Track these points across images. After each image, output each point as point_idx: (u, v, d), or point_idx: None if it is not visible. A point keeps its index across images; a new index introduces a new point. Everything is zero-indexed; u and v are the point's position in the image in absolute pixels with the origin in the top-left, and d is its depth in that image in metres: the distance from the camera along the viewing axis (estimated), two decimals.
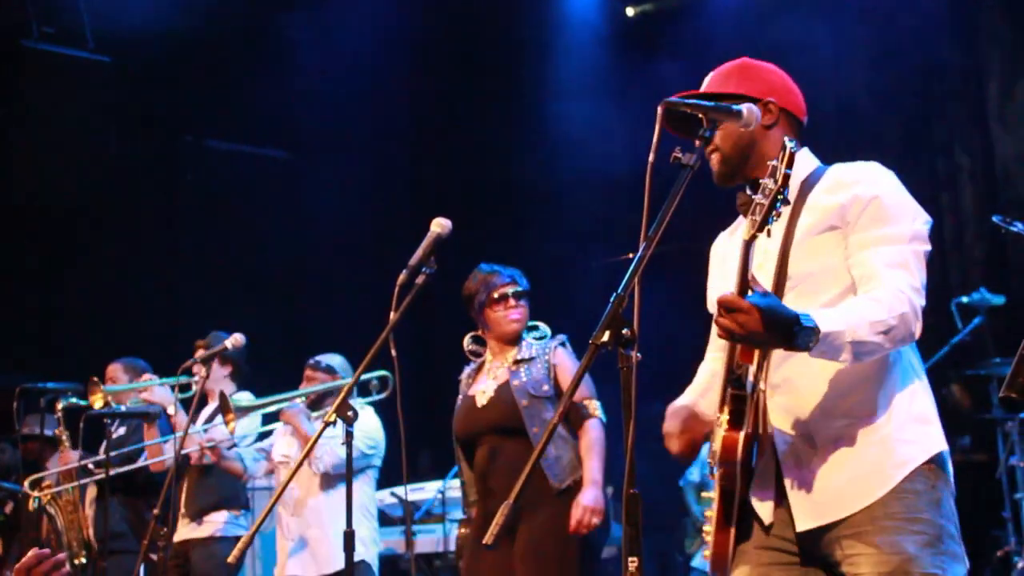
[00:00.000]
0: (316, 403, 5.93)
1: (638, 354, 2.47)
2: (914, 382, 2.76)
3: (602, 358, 2.48)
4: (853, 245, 2.70)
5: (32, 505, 6.80)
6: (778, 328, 2.45)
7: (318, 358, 6.06)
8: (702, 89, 2.92)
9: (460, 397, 5.04)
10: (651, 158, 2.59)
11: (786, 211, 2.77)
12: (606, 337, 2.43)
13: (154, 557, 5.69)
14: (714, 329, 3.05)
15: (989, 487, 6.82)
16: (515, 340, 4.93)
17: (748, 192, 2.84)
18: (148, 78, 9.45)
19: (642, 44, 9.61)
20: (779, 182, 2.36)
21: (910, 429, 2.70)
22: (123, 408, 6.54)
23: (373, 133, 10.35)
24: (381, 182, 10.54)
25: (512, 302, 4.92)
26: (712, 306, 3.04)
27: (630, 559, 2.40)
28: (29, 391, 6.91)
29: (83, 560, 6.52)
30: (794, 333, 2.45)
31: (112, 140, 9.56)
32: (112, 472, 6.25)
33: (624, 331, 2.43)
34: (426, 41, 10.30)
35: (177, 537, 6.17)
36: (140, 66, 9.36)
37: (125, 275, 9.37)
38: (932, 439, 2.72)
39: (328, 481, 5.78)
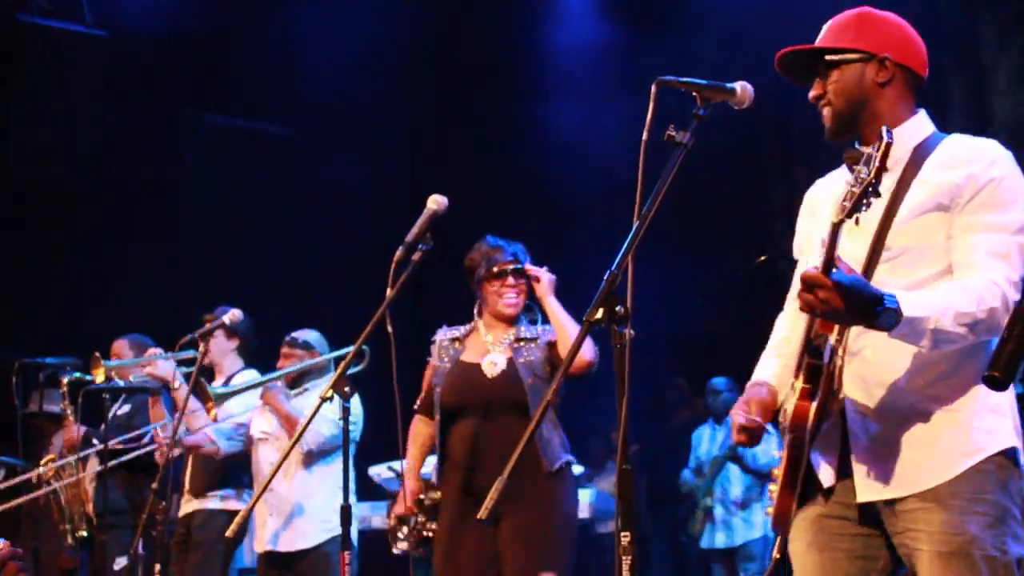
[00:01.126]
0: (296, 381, 5.93)
1: (631, 331, 2.49)
2: None
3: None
4: (958, 227, 2.64)
5: (34, 478, 6.83)
6: (860, 307, 2.44)
7: (294, 335, 6.02)
8: (817, 40, 2.84)
9: (448, 362, 4.91)
10: (644, 136, 2.59)
11: (894, 175, 2.71)
12: (600, 314, 2.45)
13: (154, 533, 5.72)
14: (797, 273, 3.05)
15: None
16: (511, 320, 4.90)
17: (857, 146, 2.81)
18: (146, 52, 9.43)
19: (642, 17, 9.57)
20: (872, 174, 2.33)
21: (986, 418, 2.67)
22: (122, 383, 6.56)
23: (372, 108, 10.34)
24: (379, 157, 10.52)
25: (511, 280, 4.85)
26: (797, 251, 3.04)
27: (623, 534, 2.43)
28: (28, 366, 6.92)
29: (84, 534, 6.56)
30: (876, 313, 2.44)
31: (110, 114, 9.53)
32: (115, 450, 6.33)
33: (618, 308, 2.44)
34: (426, 16, 10.27)
35: (181, 512, 6.21)
36: (138, 40, 9.33)
37: (123, 250, 9.37)
38: (1006, 432, 2.69)
39: (309, 456, 5.80)
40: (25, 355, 6.96)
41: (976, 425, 2.66)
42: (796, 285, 3.01)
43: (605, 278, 2.46)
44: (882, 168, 2.31)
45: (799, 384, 2.67)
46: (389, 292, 3.72)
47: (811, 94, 2.82)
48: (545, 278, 4.80)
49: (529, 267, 4.84)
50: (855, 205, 2.36)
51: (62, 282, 9.08)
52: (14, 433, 7.11)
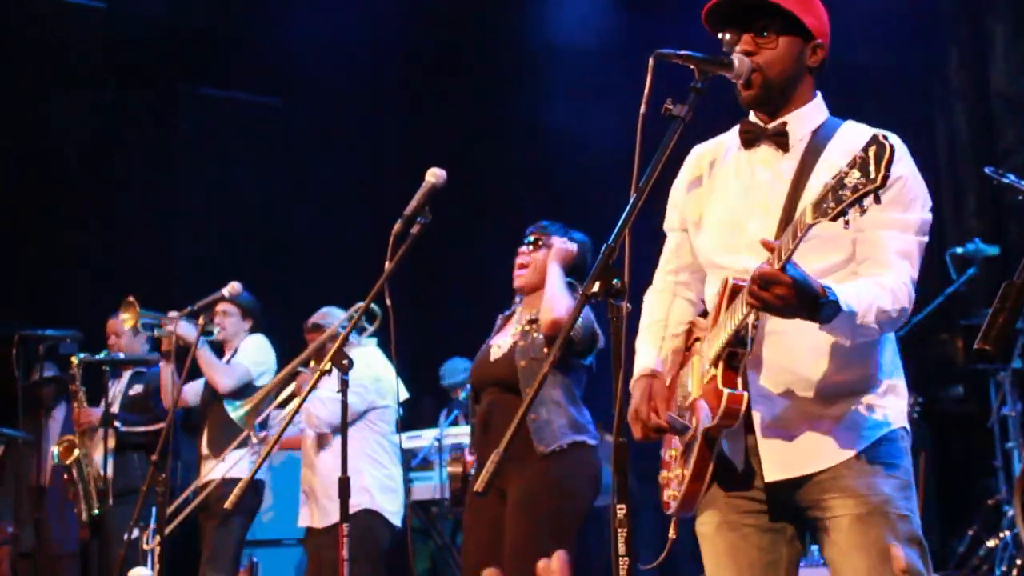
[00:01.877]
0: (320, 359, 5.93)
1: (628, 304, 2.49)
2: (892, 356, 2.79)
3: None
4: (864, 221, 2.57)
5: (52, 460, 6.87)
6: (808, 302, 2.44)
7: (309, 321, 6.03)
8: None
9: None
10: (642, 109, 2.57)
11: (793, 158, 2.73)
12: (596, 288, 2.45)
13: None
14: (670, 247, 3.02)
15: (981, 436, 6.88)
16: (529, 292, 4.88)
17: (754, 119, 2.81)
18: (144, 24, 9.41)
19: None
20: (877, 182, 2.24)
21: (889, 399, 2.74)
22: (123, 356, 6.59)
23: (369, 80, 10.32)
24: (376, 130, 10.51)
25: (523, 248, 4.89)
26: (674, 224, 2.99)
27: (618, 506, 2.44)
28: (28, 338, 6.94)
29: (97, 511, 6.61)
30: (820, 306, 2.45)
31: (108, 87, 9.52)
32: (132, 430, 6.39)
33: (614, 281, 2.45)
34: None
35: (203, 478, 6.27)
36: (136, 12, 9.31)
37: (121, 222, 9.37)
38: (902, 413, 2.77)
39: (322, 437, 5.82)
40: (25, 327, 6.98)
41: (880, 404, 2.72)
42: (674, 257, 3.01)
43: (602, 251, 2.46)
44: (887, 176, 2.25)
45: (718, 372, 2.64)
46: (388, 266, 3.72)
47: (741, 48, 2.73)
48: (556, 246, 4.80)
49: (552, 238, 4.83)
50: (842, 209, 2.30)
51: (61, 255, 9.09)
52: (14, 405, 7.14)
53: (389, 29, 10.19)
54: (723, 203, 2.83)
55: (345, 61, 9.90)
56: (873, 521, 2.64)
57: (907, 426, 2.78)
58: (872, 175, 2.24)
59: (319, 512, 5.84)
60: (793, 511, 2.75)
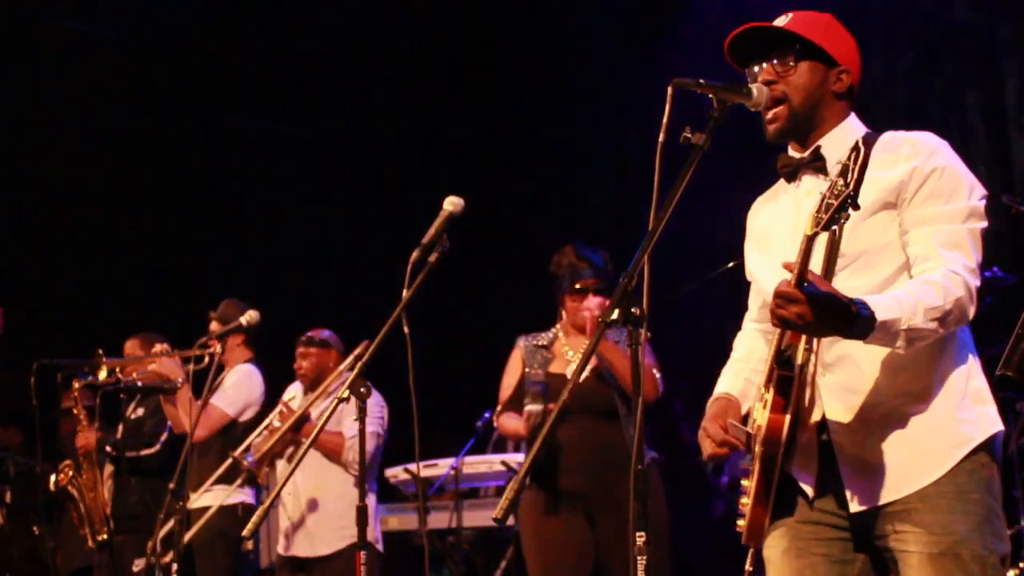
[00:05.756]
0: (315, 383, 5.94)
1: (648, 332, 2.50)
2: (969, 359, 2.73)
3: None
4: (908, 221, 2.65)
5: (52, 485, 6.87)
6: (834, 319, 2.43)
7: (310, 334, 6.06)
8: (782, 25, 2.79)
9: (540, 371, 5.07)
10: (661, 138, 2.59)
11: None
12: (615, 315, 2.45)
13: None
14: (752, 298, 3.08)
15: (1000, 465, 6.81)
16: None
17: (790, 153, 2.85)
18: (165, 55, 9.48)
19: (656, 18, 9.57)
20: (851, 185, 2.30)
21: (969, 408, 2.68)
22: (140, 384, 6.59)
23: (392, 110, 10.36)
24: (398, 159, 10.54)
25: (591, 297, 4.96)
26: (750, 275, 3.05)
27: (638, 534, 2.43)
28: (46, 367, 6.95)
29: (104, 536, 6.60)
30: (850, 323, 2.43)
31: (129, 117, 9.58)
32: (129, 454, 6.38)
33: (633, 309, 2.45)
34: (446, 13, 10.29)
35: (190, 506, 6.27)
36: (157, 43, 9.38)
37: (140, 252, 9.42)
38: (989, 419, 2.71)
39: (324, 460, 5.81)
40: (42, 356, 6.99)
41: (961, 416, 2.67)
42: (754, 305, 3.07)
43: (620, 279, 2.47)
44: (860, 180, 2.29)
45: (769, 396, 2.65)
46: (405, 294, 3.72)
47: (763, 77, 2.78)
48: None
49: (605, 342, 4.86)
50: (831, 217, 2.34)
51: (78, 284, 9.12)
52: (32, 433, 7.15)
53: (414, 58, 10.25)
54: (779, 242, 2.83)
55: (370, 89, 9.95)
56: (943, 563, 2.60)
57: (1000, 430, 2.71)
58: (847, 180, 2.29)
59: (314, 540, 5.79)
60: (867, 540, 2.72)
